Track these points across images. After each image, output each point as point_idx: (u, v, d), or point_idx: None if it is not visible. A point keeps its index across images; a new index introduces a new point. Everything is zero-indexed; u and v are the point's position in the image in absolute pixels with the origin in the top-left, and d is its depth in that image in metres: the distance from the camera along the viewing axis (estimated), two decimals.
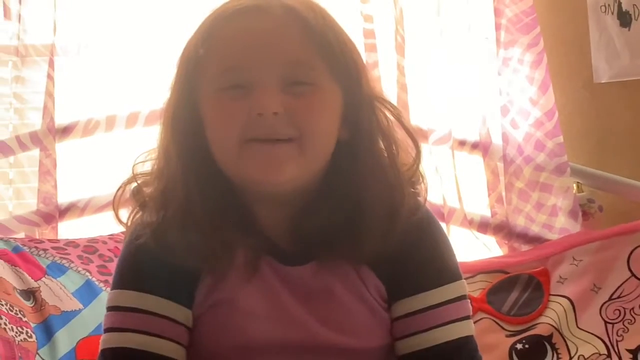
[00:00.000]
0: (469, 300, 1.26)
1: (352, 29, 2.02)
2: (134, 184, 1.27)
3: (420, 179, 1.28)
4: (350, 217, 1.20)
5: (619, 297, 1.93)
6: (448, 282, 1.24)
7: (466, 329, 1.24)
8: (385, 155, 1.23)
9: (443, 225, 2.17)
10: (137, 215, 1.27)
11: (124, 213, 1.32)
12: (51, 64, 2.13)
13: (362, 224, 1.19)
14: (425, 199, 1.29)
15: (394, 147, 1.24)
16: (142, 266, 1.24)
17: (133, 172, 1.27)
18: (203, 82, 1.19)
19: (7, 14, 2.16)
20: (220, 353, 1.21)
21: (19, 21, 2.15)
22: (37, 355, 1.65)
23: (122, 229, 2.00)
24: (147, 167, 1.27)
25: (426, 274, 1.23)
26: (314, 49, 1.17)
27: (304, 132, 1.16)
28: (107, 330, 1.24)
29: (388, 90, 2.18)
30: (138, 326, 1.20)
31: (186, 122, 1.20)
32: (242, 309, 1.19)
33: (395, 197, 1.22)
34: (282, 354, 1.20)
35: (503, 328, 1.93)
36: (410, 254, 1.23)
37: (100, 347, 1.23)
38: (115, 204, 1.30)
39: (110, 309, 1.25)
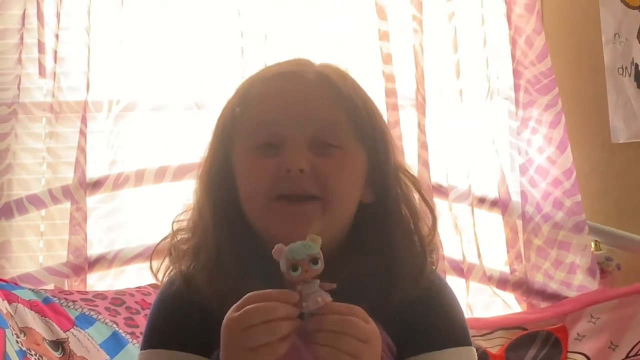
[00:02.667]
0: None
1: (374, 88, 2.07)
2: (171, 239, 1.31)
3: (436, 248, 1.32)
4: (378, 272, 1.23)
5: (635, 355, 1.92)
6: (456, 346, 1.25)
7: None
8: (410, 222, 1.28)
9: (462, 281, 2.19)
10: (172, 273, 1.29)
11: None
12: (83, 120, 2.17)
13: (392, 280, 1.22)
14: (437, 266, 1.32)
15: (414, 215, 1.28)
16: (172, 322, 1.25)
17: (173, 229, 1.31)
18: (237, 139, 1.25)
19: (42, 71, 2.21)
20: None
21: (54, 79, 2.20)
22: None
23: (148, 281, 2.05)
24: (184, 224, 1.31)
25: (435, 335, 1.25)
26: (343, 112, 1.23)
27: (327, 192, 1.20)
28: None
29: (409, 148, 2.21)
30: None
31: (220, 178, 1.25)
32: None
33: (419, 260, 1.27)
34: None
35: None
36: (421, 315, 1.25)
37: None
38: (153, 255, 1.33)
39: None
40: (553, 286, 2.22)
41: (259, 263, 1.20)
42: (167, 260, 1.30)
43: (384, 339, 1.21)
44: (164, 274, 1.31)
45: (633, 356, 1.92)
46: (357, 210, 1.25)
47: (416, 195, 1.31)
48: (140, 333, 1.87)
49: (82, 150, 2.16)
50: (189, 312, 1.23)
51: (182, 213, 1.31)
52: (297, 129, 1.21)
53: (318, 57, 1.31)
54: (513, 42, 2.28)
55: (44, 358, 1.70)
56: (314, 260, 1.12)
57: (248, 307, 1.09)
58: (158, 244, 1.33)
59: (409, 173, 1.31)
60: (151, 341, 1.28)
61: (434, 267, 1.31)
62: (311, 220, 1.19)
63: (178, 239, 1.29)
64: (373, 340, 1.13)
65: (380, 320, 1.20)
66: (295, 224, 1.19)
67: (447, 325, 1.27)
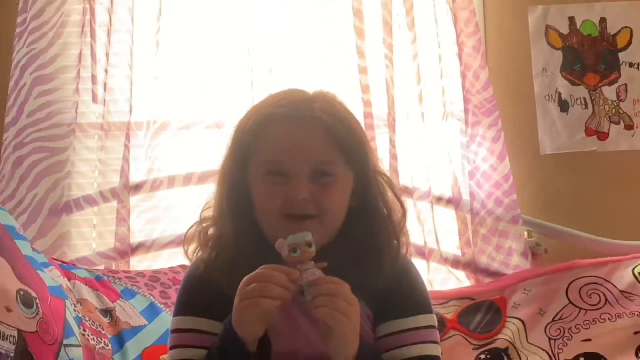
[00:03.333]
0: (437, 331, 1.28)
1: (355, 112, 2.06)
2: (199, 225, 1.31)
3: (404, 234, 1.32)
4: (362, 260, 1.24)
5: (559, 319, 1.92)
6: (421, 313, 1.26)
7: (434, 349, 1.26)
8: (386, 214, 1.28)
9: (424, 262, 2.19)
10: (199, 254, 1.30)
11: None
12: (127, 136, 2.18)
13: (371, 264, 1.24)
14: (407, 250, 1.33)
15: (389, 208, 1.29)
16: (197, 296, 1.27)
17: (200, 216, 1.31)
18: (251, 158, 1.26)
19: (94, 98, 2.21)
20: None
21: (104, 104, 2.20)
22: None
23: (178, 262, 2.05)
24: (209, 212, 1.32)
25: (404, 305, 1.26)
26: (335, 148, 1.24)
27: (323, 212, 1.23)
28: (171, 347, 1.26)
29: (382, 158, 2.20)
30: (195, 342, 1.23)
31: (236, 184, 1.27)
32: (270, 327, 1.19)
33: (393, 246, 1.28)
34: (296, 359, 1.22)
35: (470, 342, 1.92)
36: (393, 289, 1.26)
37: None
38: (185, 241, 1.34)
39: (173, 331, 1.27)
40: (495, 266, 2.22)
41: (267, 256, 1.20)
42: (196, 241, 1.31)
43: (364, 310, 1.22)
44: (193, 253, 1.31)
45: (557, 320, 1.93)
46: (347, 214, 1.27)
47: (390, 194, 1.32)
48: (172, 303, 1.86)
49: (126, 160, 2.17)
50: (209, 290, 1.24)
51: (206, 204, 1.32)
52: (300, 167, 1.22)
53: (312, 86, 1.32)
54: (463, 76, 2.28)
55: (96, 323, 1.71)
56: (309, 244, 1.15)
57: (257, 271, 1.13)
58: (187, 231, 1.34)
59: (385, 175, 1.32)
60: (180, 310, 1.29)
61: (404, 251, 1.31)
62: (311, 231, 1.19)
63: (204, 225, 1.30)
64: (356, 305, 1.15)
65: (360, 295, 1.20)
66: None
67: (414, 297, 1.28)
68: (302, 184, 1.21)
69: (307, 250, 1.14)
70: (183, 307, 1.28)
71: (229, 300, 1.18)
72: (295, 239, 1.15)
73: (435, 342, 1.26)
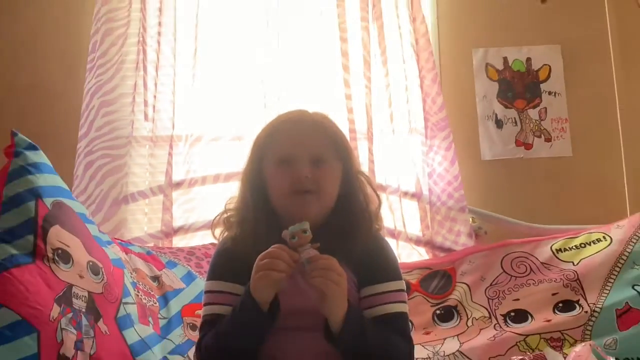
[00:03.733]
0: (405, 293, 1.28)
1: (342, 127, 2.06)
2: (225, 215, 1.32)
3: (380, 219, 1.33)
4: (345, 236, 1.24)
5: (495, 284, 1.92)
6: (394, 280, 1.27)
7: (403, 308, 1.26)
8: (364, 204, 1.29)
9: (394, 241, 2.19)
10: (225, 234, 1.30)
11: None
12: (171, 146, 2.18)
13: (353, 241, 1.24)
14: (380, 231, 1.33)
15: (367, 200, 1.30)
16: (225, 264, 1.27)
17: (225, 207, 1.32)
18: (266, 157, 1.28)
19: (146, 117, 2.21)
20: None
21: (153, 122, 2.20)
22: (159, 314, 1.68)
23: (209, 241, 2.04)
24: (231, 205, 1.32)
25: (380, 273, 1.26)
26: (328, 144, 1.27)
27: (320, 188, 1.24)
28: (205, 304, 1.26)
29: (363, 163, 2.20)
30: (223, 301, 1.23)
31: (255, 180, 1.28)
32: (280, 291, 1.20)
33: (369, 227, 1.28)
34: (301, 315, 1.22)
35: (429, 301, 1.93)
36: (372, 261, 1.26)
37: (202, 315, 1.26)
38: (213, 226, 1.35)
39: (206, 292, 1.27)
40: (447, 244, 2.22)
41: (276, 240, 1.21)
42: (222, 226, 1.31)
43: (350, 277, 1.24)
44: (220, 233, 1.32)
45: (494, 284, 1.92)
46: (336, 200, 1.28)
47: (369, 188, 1.33)
48: (205, 272, 1.86)
49: (169, 164, 2.17)
50: (234, 261, 1.24)
51: (230, 199, 1.33)
52: (302, 155, 1.24)
53: (311, 108, 1.33)
54: (423, 101, 2.29)
55: (146, 286, 1.71)
56: (305, 231, 1.16)
57: (269, 249, 1.15)
58: (214, 219, 1.35)
59: (364, 174, 1.34)
60: (212, 276, 1.29)
61: (379, 231, 1.32)
62: (312, 204, 1.23)
63: (228, 214, 1.31)
64: (344, 275, 1.16)
65: (347, 265, 1.22)
66: (303, 206, 1.23)
67: (388, 267, 1.29)
68: (304, 167, 1.23)
69: (303, 235, 1.16)
70: (214, 274, 1.29)
71: (248, 270, 1.18)
72: (294, 229, 1.16)
73: (404, 302, 1.27)
